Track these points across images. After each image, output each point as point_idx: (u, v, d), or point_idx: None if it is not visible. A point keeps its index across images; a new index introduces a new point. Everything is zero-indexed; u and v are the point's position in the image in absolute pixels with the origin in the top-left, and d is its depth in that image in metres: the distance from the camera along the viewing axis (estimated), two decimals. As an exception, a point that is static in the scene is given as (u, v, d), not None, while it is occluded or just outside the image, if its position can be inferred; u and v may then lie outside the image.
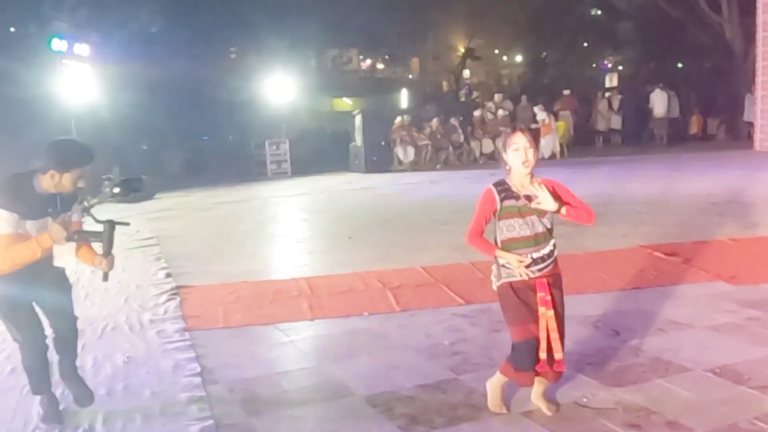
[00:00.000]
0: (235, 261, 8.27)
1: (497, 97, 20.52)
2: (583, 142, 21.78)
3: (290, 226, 10.79)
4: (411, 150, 17.70)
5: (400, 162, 17.75)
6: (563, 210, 3.65)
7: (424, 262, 7.52)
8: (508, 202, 3.71)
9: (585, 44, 32.13)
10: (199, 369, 4.80)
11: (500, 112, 19.29)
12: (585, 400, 4.06)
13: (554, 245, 3.74)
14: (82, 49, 15.20)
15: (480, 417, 3.89)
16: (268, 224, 10.76)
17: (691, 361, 4.51)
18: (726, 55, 23.03)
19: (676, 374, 4.36)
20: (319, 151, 21.13)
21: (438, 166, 17.76)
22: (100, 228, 3.92)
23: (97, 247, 4.00)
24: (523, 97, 20.99)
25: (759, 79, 18.45)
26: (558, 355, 3.68)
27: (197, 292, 6.90)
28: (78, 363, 4.31)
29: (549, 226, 3.72)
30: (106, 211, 13.04)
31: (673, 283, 6.33)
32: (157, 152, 19.79)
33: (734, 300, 5.72)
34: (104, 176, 13.78)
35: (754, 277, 6.32)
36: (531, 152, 3.64)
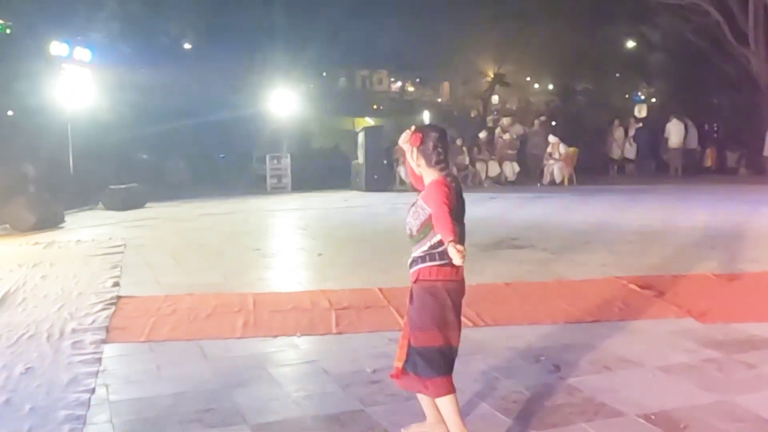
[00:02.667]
0: (192, 272, 7.93)
1: (506, 120, 20.07)
2: (597, 171, 21.27)
3: (265, 240, 10.44)
4: (413, 170, 17.28)
5: (401, 182, 17.35)
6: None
7: (386, 283, 7.10)
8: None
9: (617, 74, 31.70)
10: (93, 385, 4.44)
11: (506, 135, 18.84)
12: (493, 442, 3.63)
13: (422, 252, 3.46)
14: (83, 54, 15.09)
15: (364, 456, 3.48)
16: (243, 237, 10.42)
17: (627, 404, 4.05)
18: (753, 88, 22.37)
19: (605, 418, 3.90)
20: (331, 169, 20.78)
21: (440, 188, 17.32)
22: None
23: None
24: (536, 122, 20.53)
25: (777, 112, 17.83)
26: (397, 363, 3.54)
27: (137, 302, 6.56)
28: None
29: (414, 232, 3.49)
30: (93, 217, 12.84)
31: (637, 317, 5.86)
32: (159, 162, 19.61)
33: (697, 338, 5.24)
34: None
35: (726, 315, 5.82)
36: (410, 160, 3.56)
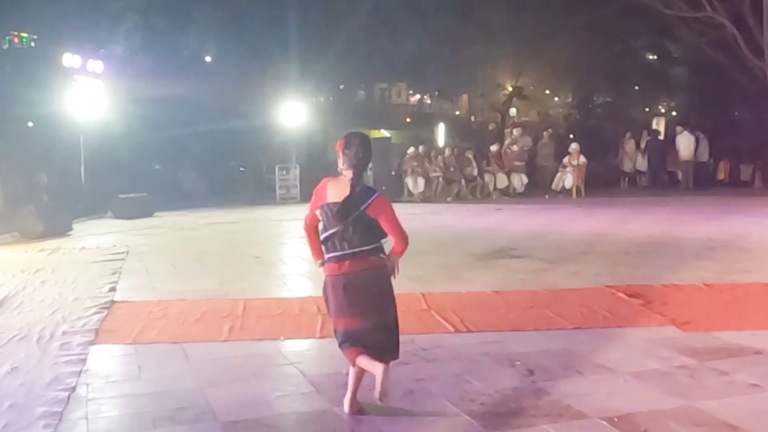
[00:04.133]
0: (188, 278, 8.07)
1: (515, 131, 20.11)
2: (609, 183, 21.28)
3: (265, 248, 10.54)
4: (421, 181, 17.40)
5: (409, 193, 17.44)
6: None
7: (377, 290, 7.17)
8: None
9: (636, 87, 31.61)
10: (74, 384, 4.56)
11: (514, 147, 18.88)
12: (453, 442, 3.70)
13: None
14: (96, 65, 15.37)
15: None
16: (244, 245, 10.55)
17: (592, 408, 4.10)
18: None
19: (568, 420, 3.95)
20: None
21: (449, 199, 17.40)
22: None
23: None
24: (545, 133, 20.53)
25: (788, 125, 17.72)
26: None
27: (129, 307, 6.70)
28: None
29: None
30: (101, 225, 13.06)
31: (620, 325, 5.89)
32: (172, 172, 19.82)
33: (674, 346, 5.27)
34: None
35: (708, 324, 5.85)
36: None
